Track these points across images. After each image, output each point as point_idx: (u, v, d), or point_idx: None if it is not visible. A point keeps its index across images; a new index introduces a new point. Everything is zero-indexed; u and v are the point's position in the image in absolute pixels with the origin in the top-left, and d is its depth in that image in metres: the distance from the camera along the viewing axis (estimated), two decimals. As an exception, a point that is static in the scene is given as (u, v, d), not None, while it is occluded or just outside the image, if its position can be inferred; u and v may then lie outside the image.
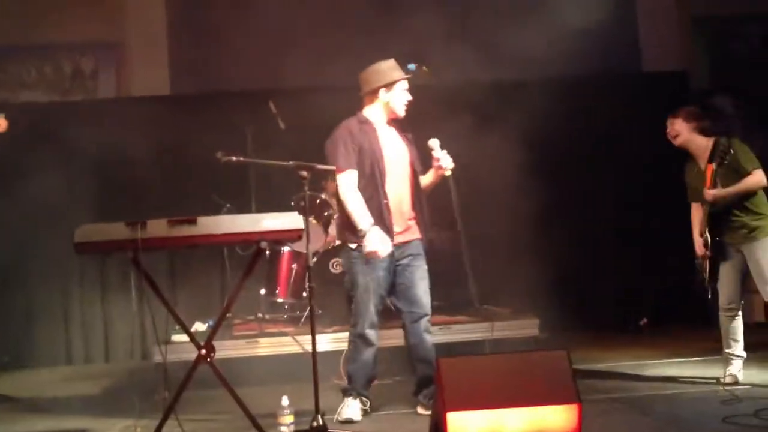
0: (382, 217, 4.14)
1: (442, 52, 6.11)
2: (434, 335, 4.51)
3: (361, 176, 4.17)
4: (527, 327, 5.42)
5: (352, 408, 4.20)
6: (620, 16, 7.16)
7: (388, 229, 4.14)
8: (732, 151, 4.28)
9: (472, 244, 5.91)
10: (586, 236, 6.77)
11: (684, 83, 7.17)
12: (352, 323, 4.25)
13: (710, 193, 4.37)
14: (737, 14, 7.49)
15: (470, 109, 5.88)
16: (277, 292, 5.72)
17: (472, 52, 5.97)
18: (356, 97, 5.93)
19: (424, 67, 5.91)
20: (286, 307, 5.83)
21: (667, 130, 4.57)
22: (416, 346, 4.25)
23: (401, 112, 4.29)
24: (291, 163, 4.10)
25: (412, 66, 6.71)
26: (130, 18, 7.05)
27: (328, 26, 6.59)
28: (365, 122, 4.28)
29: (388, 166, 4.19)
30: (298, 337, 5.14)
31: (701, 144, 4.50)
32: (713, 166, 4.36)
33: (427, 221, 4.33)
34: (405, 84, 4.31)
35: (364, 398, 4.27)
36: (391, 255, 4.16)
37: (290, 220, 3.81)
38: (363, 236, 4.06)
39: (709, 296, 4.52)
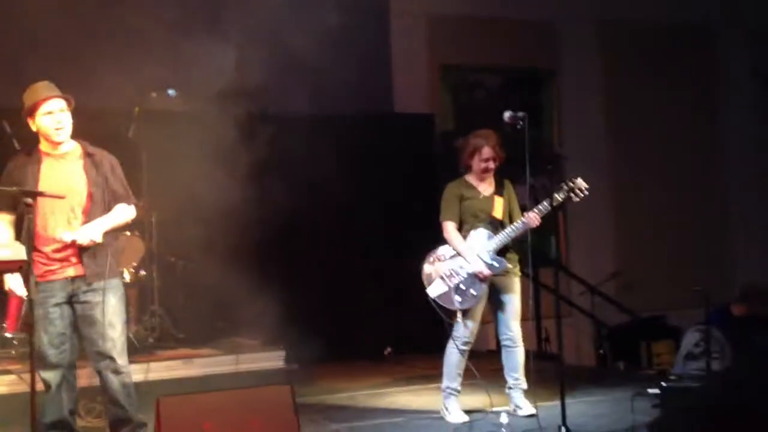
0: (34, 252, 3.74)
1: (193, 79, 6.02)
2: (177, 370, 4.38)
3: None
4: (273, 359, 5.47)
5: None
6: (375, 58, 7.51)
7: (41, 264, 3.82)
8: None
9: (221, 275, 5.91)
10: (337, 268, 6.96)
11: (431, 126, 7.65)
12: None
13: (538, 218, 4.48)
14: (480, 64, 8.16)
15: (213, 137, 5.83)
16: (4, 325, 5.29)
17: (222, 80, 5.92)
18: (109, 118, 5.73)
19: (170, 92, 5.78)
20: (15, 342, 5.39)
21: (492, 155, 4.63)
22: (103, 387, 3.93)
23: (54, 137, 3.85)
24: (14, 189, 3.83)
25: (171, 92, 6.57)
26: None
27: (76, 43, 6.25)
28: (33, 152, 3.92)
29: (43, 199, 3.75)
30: (26, 376, 4.76)
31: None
32: (502, 199, 4.65)
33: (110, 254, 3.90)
34: (49, 105, 3.84)
35: None
36: (62, 290, 3.85)
37: (7, 251, 3.56)
38: None
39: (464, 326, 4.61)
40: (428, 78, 7.93)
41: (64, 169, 3.92)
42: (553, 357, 7.21)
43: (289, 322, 6.16)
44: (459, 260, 4.60)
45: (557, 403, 4.19)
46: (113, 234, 4.02)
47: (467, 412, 4.70)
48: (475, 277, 4.55)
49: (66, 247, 3.85)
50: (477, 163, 4.67)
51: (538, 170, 4.74)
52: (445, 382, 4.69)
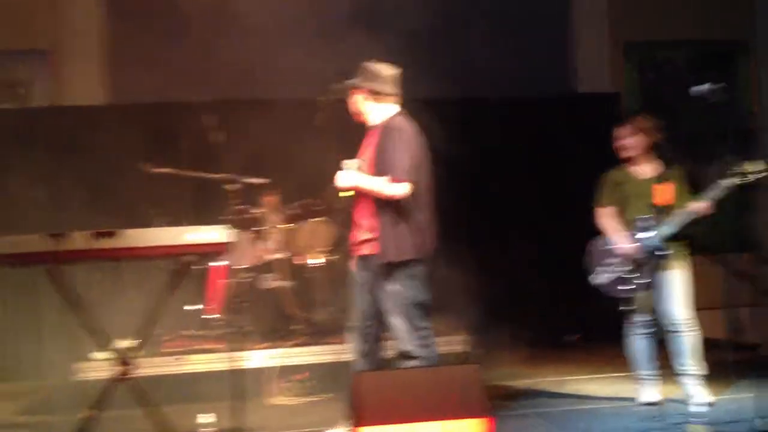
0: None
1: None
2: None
3: None
4: (456, 343, 5.47)
5: None
6: (556, 39, 7.34)
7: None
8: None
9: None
10: (522, 252, 6.84)
11: (616, 105, 7.35)
12: None
13: (708, 205, 4.33)
14: (666, 40, 7.74)
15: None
16: (207, 307, 5.66)
17: (414, 71, 6.00)
18: (295, 112, 5.97)
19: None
20: (217, 323, 5.76)
21: (624, 136, 4.63)
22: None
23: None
24: (218, 175, 4.10)
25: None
26: (65, 26, 6.90)
27: (271, 41, 6.58)
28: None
29: None
30: (227, 354, 5.08)
31: (649, 159, 4.63)
32: (665, 185, 4.49)
33: (392, 237, 3.84)
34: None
35: None
36: (363, 268, 3.96)
37: (214, 234, 3.80)
38: None
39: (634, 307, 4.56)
40: (612, 56, 7.61)
41: (369, 142, 4.07)
42: (749, 347, 6.73)
43: (471, 307, 6.16)
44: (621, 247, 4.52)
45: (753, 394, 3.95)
46: (394, 217, 3.84)
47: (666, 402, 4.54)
48: (633, 263, 4.46)
49: (361, 224, 3.93)
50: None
51: (737, 147, 4.47)
52: (638, 370, 4.65)
